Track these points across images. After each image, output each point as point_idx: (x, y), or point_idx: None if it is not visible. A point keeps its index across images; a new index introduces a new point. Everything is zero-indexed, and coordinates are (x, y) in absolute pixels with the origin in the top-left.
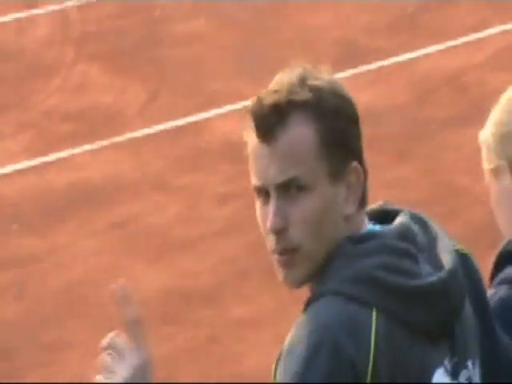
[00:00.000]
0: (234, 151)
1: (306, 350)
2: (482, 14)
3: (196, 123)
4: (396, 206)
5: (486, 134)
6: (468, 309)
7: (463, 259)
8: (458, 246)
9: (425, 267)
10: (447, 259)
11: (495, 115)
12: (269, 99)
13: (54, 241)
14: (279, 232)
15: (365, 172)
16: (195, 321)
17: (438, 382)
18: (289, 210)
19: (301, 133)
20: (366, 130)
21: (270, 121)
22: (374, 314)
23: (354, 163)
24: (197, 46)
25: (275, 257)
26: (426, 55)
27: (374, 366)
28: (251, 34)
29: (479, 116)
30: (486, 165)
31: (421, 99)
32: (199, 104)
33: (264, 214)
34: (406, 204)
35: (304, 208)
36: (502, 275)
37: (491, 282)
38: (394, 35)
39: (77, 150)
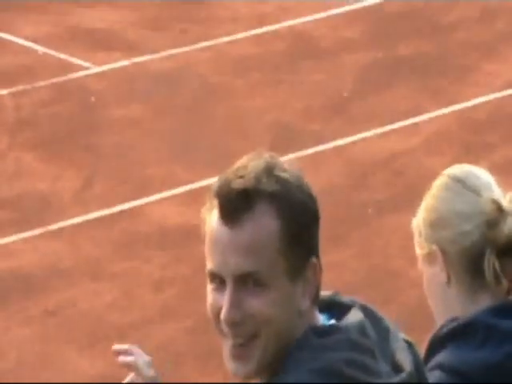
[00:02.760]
0: (169, 237)
1: None
2: (416, 99)
3: (131, 209)
4: (346, 298)
5: (418, 219)
6: None
7: (409, 347)
8: (403, 336)
9: (382, 365)
10: (405, 360)
11: (426, 201)
12: (236, 184)
13: None
14: (235, 324)
15: (320, 268)
16: None
17: None
18: (245, 303)
19: (265, 224)
20: None
21: (237, 205)
22: None
23: (313, 259)
24: (131, 132)
25: (227, 347)
26: (362, 139)
27: None
28: (186, 119)
29: (414, 200)
30: (418, 250)
31: (356, 183)
32: (134, 190)
33: (216, 301)
34: (342, 288)
35: (261, 304)
36: (433, 361)
37: None
38: (329, 119)
39: (11, 238)
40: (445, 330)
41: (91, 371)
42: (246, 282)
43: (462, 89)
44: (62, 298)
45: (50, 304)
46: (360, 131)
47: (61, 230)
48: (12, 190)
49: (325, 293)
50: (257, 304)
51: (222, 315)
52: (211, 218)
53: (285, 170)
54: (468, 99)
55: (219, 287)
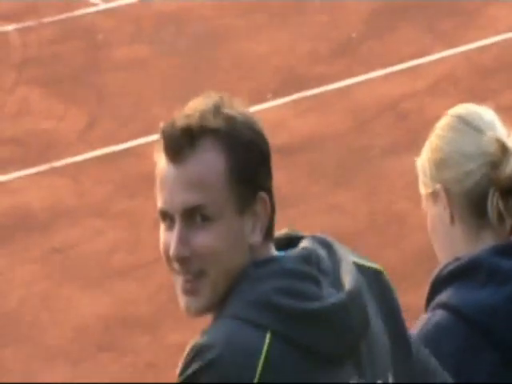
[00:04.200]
0: None
1: (185, 370)
2: (422, 42)
3: (135, 149)
4: (301, 233)
5: (423, 159)
6: (378, 327)
7: (374, 276)
8: (370, 264)
9: (328, 290)
10: (348, 280)
11: (431, 141)
12: (181, 122)
13: None
14: (183, 260)
15: (272, 203)
16: (134, 347)
17: None
18: (193, 238)
19: (210, 159)
20: (305, 157)
21: (180, 142)
22: (268, 337)
23: (262, 193)
24: (137, 72)
25: (179, 282)
26: (366, 82)
27: None
28: (191, 60)
29: (418, 143)
30: (423, 190)
31: (360, 126)
32: (138, 130)
33: (167, 240)
34: (344, 232)
35: (208, 238)
36: (436, 300)
37: (426, 308)
38: (334, 62)
39: (15, 175)
40: (448, 269)
41: (94, 310)
42: (193, 217)
43: (467, 31)
44: (65, 236)
45: (53, 243)
46: (365, 73)
47: (64, 168)
48: (17, 128)
49: (281, 231)
50: (204, 238)
51: (171, 252)
52: (160, 158)
53: (232, 108)
54: (473, 42)
55: (170, 226)
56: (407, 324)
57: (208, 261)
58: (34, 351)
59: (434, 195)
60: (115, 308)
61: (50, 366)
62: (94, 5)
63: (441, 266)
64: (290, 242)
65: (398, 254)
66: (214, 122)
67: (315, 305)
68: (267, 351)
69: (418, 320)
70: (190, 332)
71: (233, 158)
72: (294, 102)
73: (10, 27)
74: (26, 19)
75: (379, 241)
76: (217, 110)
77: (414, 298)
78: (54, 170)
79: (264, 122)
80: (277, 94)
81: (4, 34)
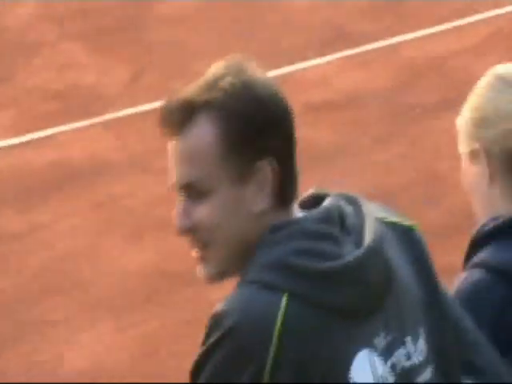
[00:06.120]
0: None
1: (207, 340)
2: (469, 0)
3: None
4: (328, 191)
5: (463, 118)
6: (408, 282)
7: (405, 233)
8: (401, 221)
9: (348, 249)
10: (368, 237)
11: (471, 100)
12: (177, 97)
13: (35, 219)
14: (187, 232)
15: (278, 168)
16: (176, 301)
17: (361, 364)
18: (193, 211)
19: (201, 133)
20: (349, 114)
21: (174, 118)
22: (285, 299)
23: (260, 162)
24: (181, 25)
25: (193, 253)
26: (412, 40)
27: (276, 353)
28: (237, 15)
29: (463, 102)
30: (462, 149)
31: (405, 84)
32: (183, 84)
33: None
34: (386, 188)
35: (204, 212)
36: (474, 259)
37: (464, 266)
38: (379, 19)
39: (59, 129)
40: (487, 228)
41: (137, 264)
42: (191, 191)
43: None
44: (108, 190)
45: (96, 196)
46: (410, 32)
47: (108, 122)
48: (60, 82)
49: (308, 191)
50: (201, 212)
51: (176, 224)
52: None
53: (237, 76)
54: None
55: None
56: (448, 283)
57: (209, 233)
58: (77, 304)
59: (473, 154)
60: (158, 262)
61: (92, 318)
62: None
63: (479, 225)
64: (316, 201)
65: (440, 213)
66: (209, 96)
67: (331, 263)
68: (284, 314)
69: (456, 278)
70: (232, 286)
71: (226, 130)
72: (338, 59)
73: None
74: None
75: (421, 199)
76: (215, 81)
77: (454, 257)
78: (97, 125)
79: (307, 80)
80: (319, 51)
81: None
